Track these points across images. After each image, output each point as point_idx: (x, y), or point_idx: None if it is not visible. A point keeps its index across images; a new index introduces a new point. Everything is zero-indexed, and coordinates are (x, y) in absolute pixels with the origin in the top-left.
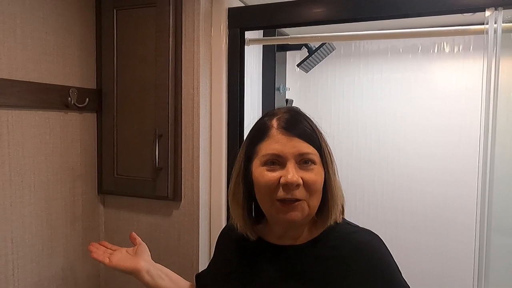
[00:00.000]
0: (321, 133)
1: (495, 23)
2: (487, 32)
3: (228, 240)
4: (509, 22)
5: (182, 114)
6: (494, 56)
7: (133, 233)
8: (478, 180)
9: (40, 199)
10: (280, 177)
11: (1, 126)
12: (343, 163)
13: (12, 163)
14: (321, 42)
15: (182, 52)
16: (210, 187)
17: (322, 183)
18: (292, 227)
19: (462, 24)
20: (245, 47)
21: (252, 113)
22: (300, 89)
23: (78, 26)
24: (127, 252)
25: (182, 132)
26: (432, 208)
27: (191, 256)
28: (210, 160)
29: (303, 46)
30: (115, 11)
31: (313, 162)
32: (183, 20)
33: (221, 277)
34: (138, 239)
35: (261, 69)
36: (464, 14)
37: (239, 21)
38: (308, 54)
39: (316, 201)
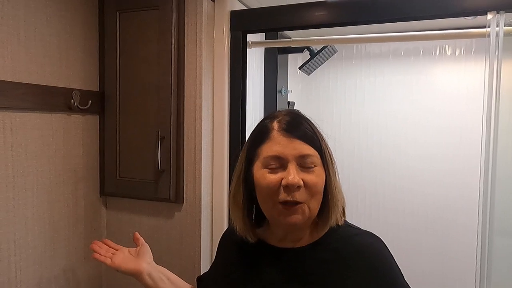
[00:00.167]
0: (321, 135)
1: (497, 26)
2: (489, 36)
3: (230, 242)
4: (510, 26)
5: (184, 116)
6: (496, 59)
7: (137, 233)
8: (480, 181)
9: (42, 201)
10: (281, 179)
11: (4, 128)
12: (344, 164)
13: (15, 165)
14: (323, 45)
15: (185, 54)
16: (212, 189)
17: (323, 185)
18: (293, 230)
19: (464, 27)
20: (247, 49)
21: (254, 115)
22: (302, 92)
23: (81, 28)
24: (129, 253)
25: (184, 134)
26: (433, 209)
27: (193, 258)
28: (212, 162)
29: (305, 49)
30: (118, 13)
31: (314, 164)
32: (185, 22)
33: (222, 280)
34: (141, 240)
35: (263, 72)
36: (466, 17)
37: (241, 24)
38: (310, 56)
39: (316, 203)
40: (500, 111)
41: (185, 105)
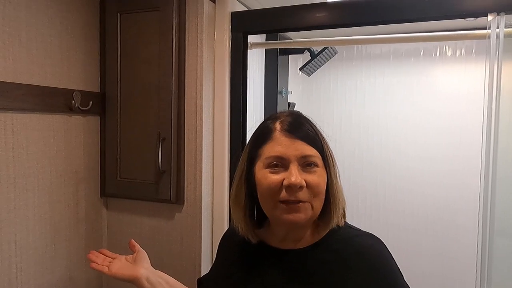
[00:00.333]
0: (323, 136)
1: (497, 28)
2: (489, 37)
3: (230, 243)
4: (511, 27)
5: (185, 117)
6: (497, 61)
7: (132, 240)
8: (480, 182)
9: (43, 202)
10: (283, 179)
11: (5, 129)
12: (345, 165)
13: (17, 166)
14: (324, 46)
15: (185, 55)
16: (213, 190)
17: (325, 185)
18: (294, 229)
19: (464, 29)
20: (248, 50)
21: (254, 116)
22: (302, 93)
23: (82, 29)
24: (126, 260)
25: (185, 135)
26: (434, 210)
27: (194, 259)
28: (213, 163)
29: (306, 50)
30: (119, 15)
31: (316, 165)
32: (186, 24)
33: (223, 281)
34: (137, 246)
35: (263, 73)
36: (467, 19)
37: (242, 25)
38: (310, 57)
39: (319, 203)
40: (501, 112)
41: (185, 106)
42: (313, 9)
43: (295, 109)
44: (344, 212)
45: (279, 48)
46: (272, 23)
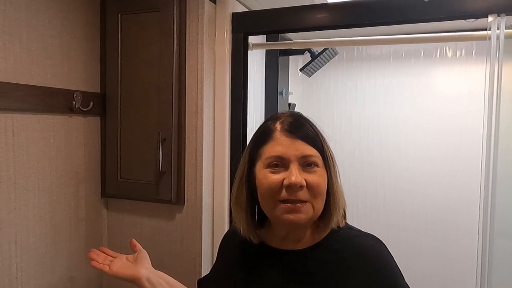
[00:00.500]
0: (323, 137)
1: (498, 29)
2: (489, 38)
3: (231, 244)
4: (511, 28)
5: (186, 118)
6: (497, 62)
7: (133, 239)
8: (481, 183)
9: (44, 202)
10: (284, 179)
11: (6, 129)
12: (345, 166)
13: (17, 167)
14: (324, 47)
15: (186, 56)
16: (213, 191)
17: (326, 185)
18: (294, 229)
19: (464, 30)
20: (248, 51)
21: (255, 116)
22: (302, 94)
23: (82, 30)
24: (127, 259)
25: (186, 136)
26: (434, 210)
27: (194, 259)
28: (213, 164)
29: (306, 51)
30: (119, 15)
31: (316, 165)
32: (187, 24)
33: (224, 281)
34: (138, 246)
35: (264, 74)
36: (467, 20)
37: (243, 26)
38: (311, 58)
39: (320, 203)
40: (501, 113)
41: (186, 107)
42: (314, 10)
43: (295, 110)
44: (344, 212)
45: (280, 49)
46: (272, 24)
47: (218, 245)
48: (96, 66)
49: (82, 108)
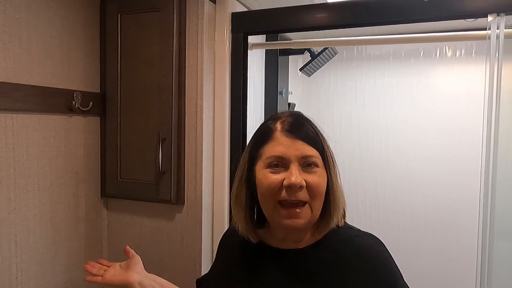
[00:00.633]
0: (324, 137)
1: (498, 28)
2: (489, 38)
3: (230, 243)
4: (511, 28)
5: (185, 117)
6: (497, 61)
7: (127, 246)
8: (481, 183)
9: (44, 202)
10: (283, 179)
11: (6, 129)
12: (345, 166)
13: (17, 167)
14: (324, 47)
15: (186, 56)
16: (213, 191)
17: (325, 186)
18: (293, 232)
19: (464, 29)
20: (248, 51)
21: (254, 116)
22: (302, 93)
23: (82, 30)
24: (120, 266)
25: (185, 136)
26: (433, 210)
27: (194, 259)
28: (213, 164)
29: (306, 51)
30: (119, 15)
31: (316, 165)
32: (186, 24)
33: (223, 281)
34: (132, 252)
35: (263, 73)
36: (467, 19)
37: (243, 26)
38: (310, 58)
39: (319, 204)
40: (501, 113)
41: (186, 107)
42: (313, 9)
43: (295, 110)
44: (344, 212)
45: (279, 49)
46: (272, 23)
47: (218, 244)
48: (96, 66)
49: (82, 108)
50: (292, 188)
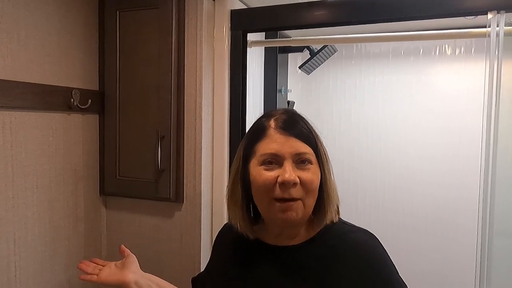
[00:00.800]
0: (317, 134)
1: (497, 26)
2: (489, 35)
3: (225, 240)
4: (511, 25)
5: (185, 115)
6: (496, 59)
7: (122, 246)
8: (480, 182)
9: (42, 200)
10: (278, 176)
11: (4, 127)
12: (344, 164)
13: (15, 165)
14: (323, 44)
15: (185, 54)
16: (212, 189)
17: (319, 182)
18: (288, 227)
19: (464, 27)
20: (247, 49)
21: (253, 114)
22: (301, 91)
23: (81, 27)
24: (115, 265)
25: (185, 133)
26: (433, 209)
27: (193, 257)
28: (212, 162)
29: (305, 48)
30: (118, 12)
31: (310, 162)
32: (185, 22)
33: (219, 277)
34: (127, 251)
35: (263, 71)
36: (466, 17)
37: (242, 23)
38: (310, 56)
39: (312, 200)
40: (500, 111)
41: (185, 104)
42: (313, 7)
43: (294, 108)
44: (338, 208)
45: (279, 47)
46: (271, 21)
47: (213, 242)
48: (94, 63)
49: (80, 106)
50: (286, 185)
